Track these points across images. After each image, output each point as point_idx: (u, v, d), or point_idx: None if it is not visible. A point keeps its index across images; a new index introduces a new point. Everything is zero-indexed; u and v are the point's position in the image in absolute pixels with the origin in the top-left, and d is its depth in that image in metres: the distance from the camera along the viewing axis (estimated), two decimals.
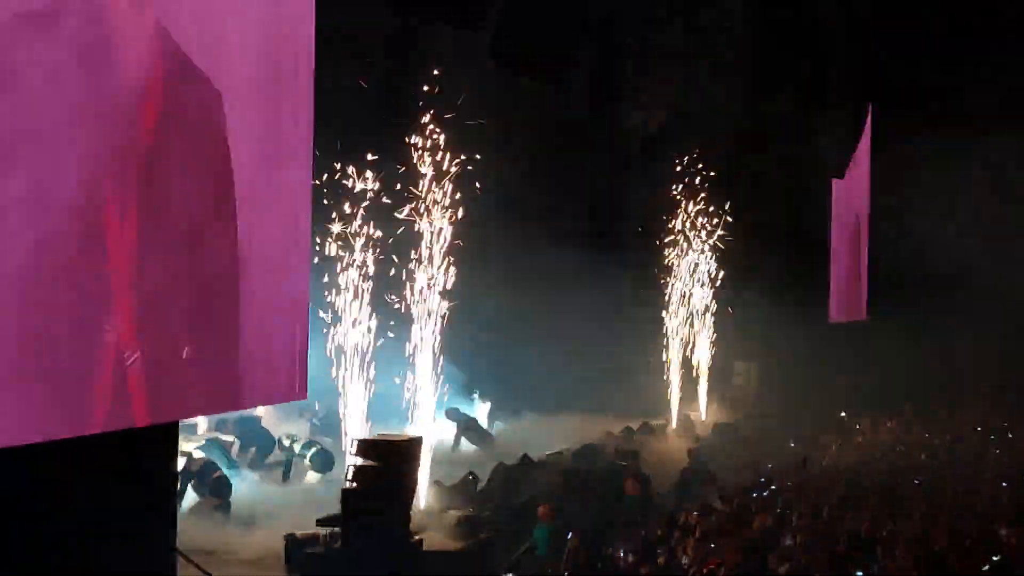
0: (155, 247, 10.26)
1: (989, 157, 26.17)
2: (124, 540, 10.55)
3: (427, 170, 18.45)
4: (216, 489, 17.11)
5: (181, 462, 15.63)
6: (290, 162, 12.43)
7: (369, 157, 17.87)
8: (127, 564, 10.39)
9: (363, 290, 18.33)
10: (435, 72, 18.81)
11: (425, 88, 18.58)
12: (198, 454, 17.81)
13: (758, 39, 22.72)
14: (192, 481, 16.98)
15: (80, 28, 9.08)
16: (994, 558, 12.92)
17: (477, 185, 19.20)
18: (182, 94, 10.68)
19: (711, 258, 26.24)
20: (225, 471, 17.71)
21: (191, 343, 10.72)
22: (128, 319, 9.87)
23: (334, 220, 17.96)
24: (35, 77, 8.57)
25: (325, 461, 18.75)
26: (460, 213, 18.78)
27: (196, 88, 10.85)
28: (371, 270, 18.32)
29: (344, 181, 17.92)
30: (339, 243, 18.09)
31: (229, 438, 19.28)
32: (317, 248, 16.79)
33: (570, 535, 14.88)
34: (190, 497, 16.68)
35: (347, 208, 17.85)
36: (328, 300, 17.94)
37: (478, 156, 19.04)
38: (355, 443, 15.59)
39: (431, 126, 18.44)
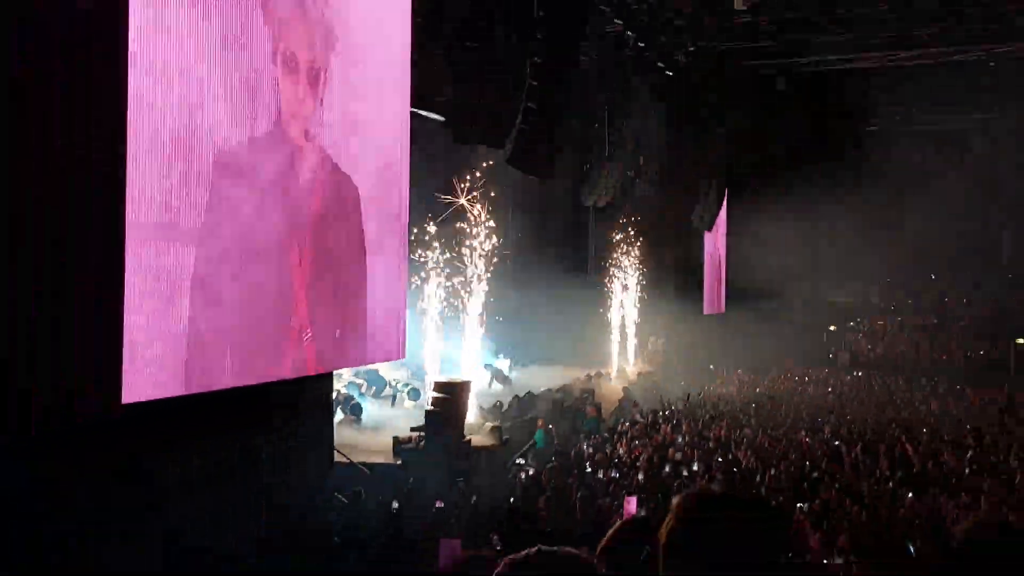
0: (318, 273, 11.61)
1: (798, 212, 28.84)
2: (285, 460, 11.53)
3: (472, 228, 21.97)
4: (353, 410, 18.47)
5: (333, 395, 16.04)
6: (394, 222, 13.69)
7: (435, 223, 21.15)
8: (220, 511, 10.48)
9: (438, 294, 21.17)
10: (477, 173, 21.67)
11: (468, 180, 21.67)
12: (343, 390, 18.71)
13: (665, 150, 25.07)
14: (339, 406, 17.61)
15: (280, 161, 10.80)
16: (792, 455, 14.80)
17: (493, 239, 22.20)
18: (334, 187, 12.04)
19: (637, 276, 29.42)
20: (358, 400, 18.99)
21: (340, 327, 12.08)
22: (304, 312, 11.22)
23: (417, 257, 20.21)
24: (255, 181, 10.22)
25: (415, 394, 19.79)
26: (492, 248, 22.07)
27: (342, 183, 12.22)
28: (443, 282, 21.23)
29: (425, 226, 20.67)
30: (422, 261, 20.58)
31: (360, 381, 19.87)
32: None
33: (556, 442, 17.66)
34: (338, 416, 17.29)
35: (427, 238, 20.69)
36: (418, 300, 20.28)
37: (497, 220, 22.42)
38: (433, 384, 17.24)
39: (475, 203, 21.83)
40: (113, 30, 8.03)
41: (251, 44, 10.36)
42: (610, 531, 3.03)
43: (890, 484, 11.74)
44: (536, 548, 1.96)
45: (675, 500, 2.36)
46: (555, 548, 1.95)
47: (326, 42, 11.84)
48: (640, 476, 13.24)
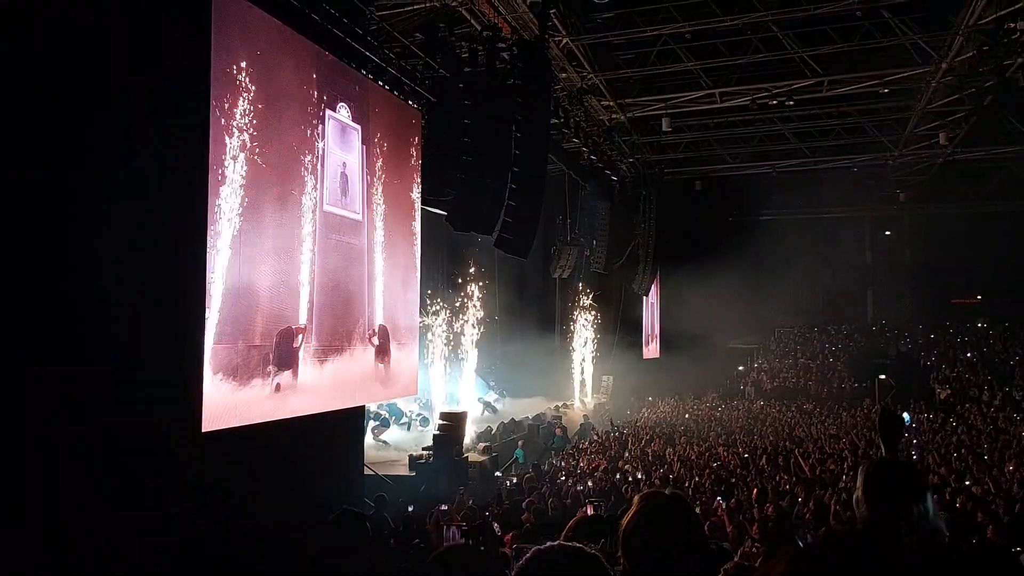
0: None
1: (709, 281, 27.72)
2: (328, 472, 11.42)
3: (469, 299, 22.17)
4: (383, 423, 18.33)
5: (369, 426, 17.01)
6: (412, 294, 14.39)
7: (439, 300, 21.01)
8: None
9: (443, 347, 21.07)
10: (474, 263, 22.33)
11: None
12: (379, 410, 18.30)
13: (611, 233, 25.31)
14: (371, 420, 17.75)
15: (357, 241, 12.14)
16: (713, 464, 15.01)
17: (474, 308, 22.38)
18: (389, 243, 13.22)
19: (592, 330, 28.86)
20: (385, 418, 18.63)
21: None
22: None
23: (431, 304, 20.29)
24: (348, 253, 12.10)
25: (425, 421, 19.30)
26: (482, 311, 22.42)
27: (368, 257, 12.76)
28: (444, 336, 21.21)
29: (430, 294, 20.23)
30: (429, 322, 20.35)
31: (383, 411, 18.98)
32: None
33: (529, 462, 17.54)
34: (368, 439, 16.97)
35: (431, 308, 20.53)
36: (426, 350, 19.83)
37: (492, 292, 23.07)
38: (439, 414, 17.63)
39: (472, 274, 22.33)
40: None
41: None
42: (570, 524, 3.02)
43: (788, 486, 11.67)
44: (557, 542, 1.93)
45: (634, 499, 2.44)
46: (570, 544, 1.92)
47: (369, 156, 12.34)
48: (590, 483, 13.19)
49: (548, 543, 1.93)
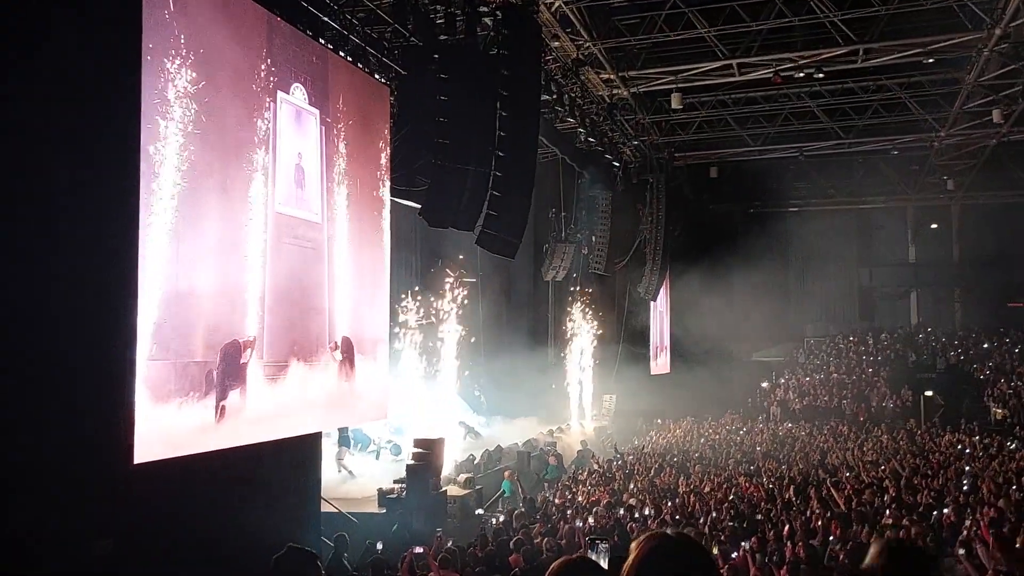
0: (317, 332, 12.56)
1: (727, 285, 29.07)
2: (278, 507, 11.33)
3: (448, 305, 22.12)
4: (346, 464, 18.09)
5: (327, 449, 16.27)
6: (379, 294, 14.24)
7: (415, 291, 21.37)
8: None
9: (417, 363, 21.16)
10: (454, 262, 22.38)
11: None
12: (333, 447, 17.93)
13: (613, 228, 25.80)
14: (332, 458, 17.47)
15: (314, 235, 11.95)
16: (729, 493, 15.28)
17: (454, 317, 22.34)
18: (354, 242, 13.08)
19: (591, 341, 28.75)
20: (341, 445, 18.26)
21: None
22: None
23: (397, 331, 19.93)
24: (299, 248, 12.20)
25: (397, 449, 19.19)
26: (462, 321, 22.34)
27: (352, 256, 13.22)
28: (418, 348, 21.17)
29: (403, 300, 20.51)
30: (400, 333, 20.28)
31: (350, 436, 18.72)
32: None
33: (522, 490, 17.73)
34: (329, 468, 16.62)
35: (402, 317, 20.36)
36: (395, 368, 18.84)
37: (474, 295, 22.84)
38: (414, 440, 16.73)
39: (451, 276, 22.20)
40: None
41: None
42: (552, 568, 3.04)
43: (819, 523, 11.56)
44: (578, 555, 1.97)
45: (635, 542, 2.44)
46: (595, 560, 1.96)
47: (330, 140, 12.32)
48: (591, 519, 13.09)
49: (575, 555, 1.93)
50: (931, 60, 19.98)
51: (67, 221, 7.76)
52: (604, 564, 3.98)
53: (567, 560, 3.13)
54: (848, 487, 14.73)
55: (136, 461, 8.16)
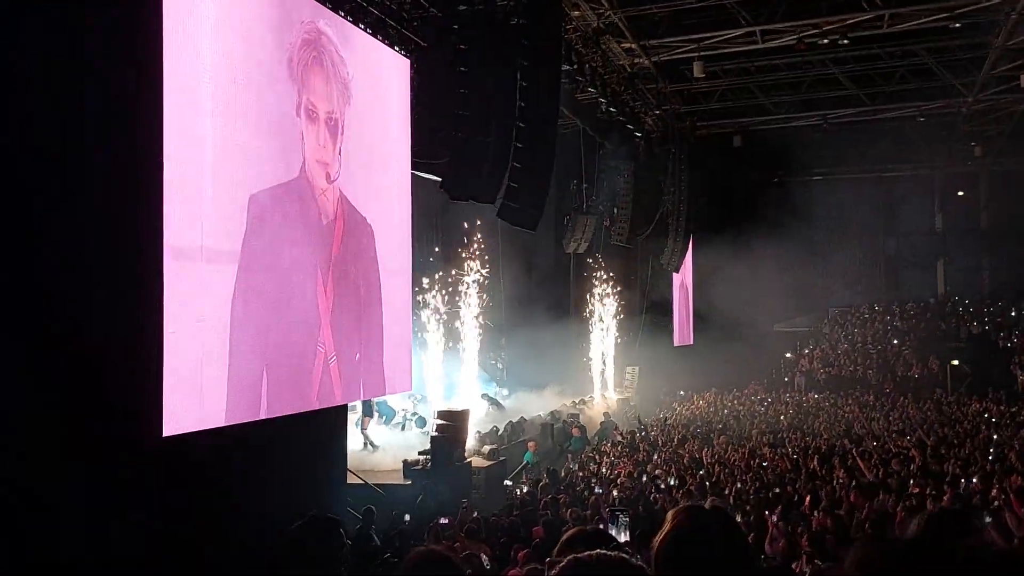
0: (340, 301, 11.87)
1: (751, 255, 28.87)
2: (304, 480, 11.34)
3: (469, 279, 22.37)
4: (369, 435, 18.10)
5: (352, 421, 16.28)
6: (400, 260, 14.25)
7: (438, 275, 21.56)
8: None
9: (440, 332, 21.29)
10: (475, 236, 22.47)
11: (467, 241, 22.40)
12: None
13: (635, 199, 25.55)
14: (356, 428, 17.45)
15: (305, 202, 11.16)
16: (754, 462, 15.53)
17: (475, 289, 22.52)
18: (352, 226, 12.45)
19: (613, 313, 29.14)
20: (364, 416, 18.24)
21: (360, 351, 12.52)
22: (329, 337, 11.45)
23: (422, 291, 20.61)
24: (287, 230, 10.61)
25: (422, 421, 19.08)
26: (484, 293, 22.63)
27: (359, 223, 12.70)
28: (444, 319, 21.46)
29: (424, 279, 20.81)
30: (423, 300, 20.65)
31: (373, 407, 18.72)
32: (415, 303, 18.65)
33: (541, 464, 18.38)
34: (357, 439, 17.22)
35: (425, 283, 20.90)
36: (422, 336, 20.21)
37: (496, 268, 23.26)
38: (436, 412, 17.29)
39: (472, 256, 22.41)
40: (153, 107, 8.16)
41: (279, 99, 10.61)
42: (566, 536, 3.06)
43: (845, 492, 11.42)
44: (597, 552, 1.98)
45: (669, 514, 2.46)
46: (613, 553, 1.97)
47: (342, 97, 12.21)
48: (615, 491, 13.19)
49: (586, 552, 1.97)
50: (958, 24, 19.74)
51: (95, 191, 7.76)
52: (623, 536, 4.02)
53: (581, 530, 3.15)
54: (874, 457, 14.74)
55: (165, 434, 8.27)
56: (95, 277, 7.77)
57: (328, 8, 12.21)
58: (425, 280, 20.95)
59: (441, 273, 21.72)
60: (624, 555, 2.02)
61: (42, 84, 7.54)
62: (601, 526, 4.11)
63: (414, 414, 19.84)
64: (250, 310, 9.66)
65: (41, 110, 7.59)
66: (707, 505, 2.48)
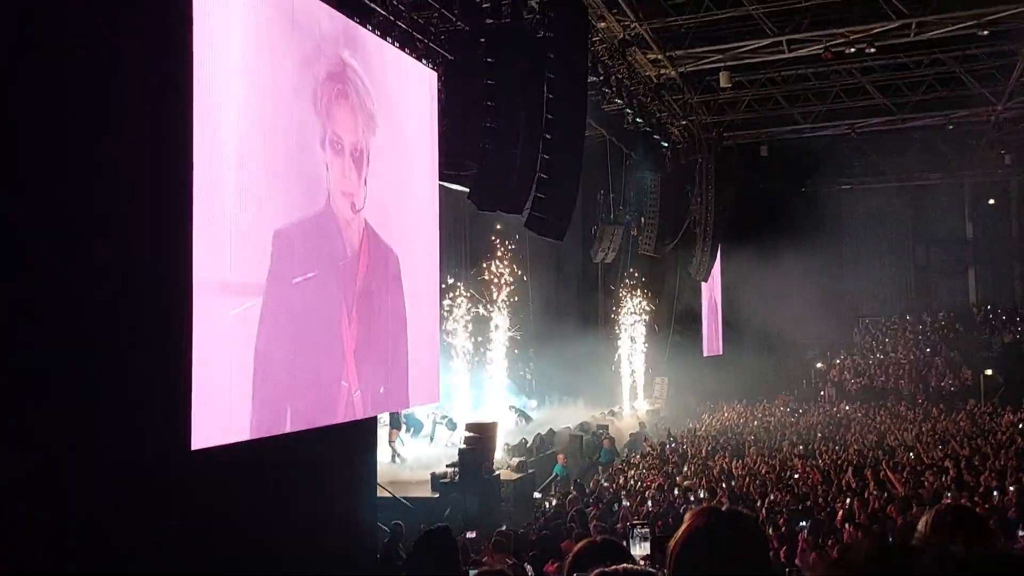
0: (366, 333, 11.75)
1: (779, 265, 28.30)
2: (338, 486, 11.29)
3: (497, 292, 22.39)
4: (397, 448, 18.14)
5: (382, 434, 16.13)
6: (427, 282, 14.02)
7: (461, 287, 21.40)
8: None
9: (467, 348, 21.35)
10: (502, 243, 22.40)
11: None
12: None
13: (662, 208, 25.53)
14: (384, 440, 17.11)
15: (330, 235, 10.99)
16: (785, 475, 15.24)
17: (502, 300, 22.58)
18: (378, 256, 12.26)
19: (643, 322, 29.15)
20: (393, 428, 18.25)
21: (384, 384, 12.31)
22: (353, 372, 11.34)
23: (450, 302, 20.68)
24: (311, 264, 10.40)
25: (452, 424, 19.13)
26: (511, 303, 22.60)
27: (386, 252, 12.51)
28: (471, 328, 21.43)
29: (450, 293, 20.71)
30: (450, 317, 20.65)
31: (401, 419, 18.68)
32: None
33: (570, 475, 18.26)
34: (385, 452, 17.12)
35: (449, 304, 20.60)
36: (448, 342, 20.15)
37: (524, 279, 23.03)
38: (466, 425, 17.43)
39: (501, 266, 22.37)
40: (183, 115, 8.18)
41: (304, 134, 10.55)
42: (576, 548, 3.04)
43: (877, 504, 11.45)
44: (624, 566, 1.96)
45: (687, 515, 2.46)
46: (638, 567, 1.97)
47: (368, 127, 12.09)
48: (649, 503, 13.24)
49: (612, 566, 1.95)
50: (986, 32, 19.59)
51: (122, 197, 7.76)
52: (639, 550, 3.97)
53: (590, 542, 3.12)
54: (907, 468, 14.59)
55: (194, 447, 8.25)
56: (125, 307, 7.69)
57: (356, 22, 12.23)
58: (451, 289, 20.85)
59: (462, 285, 21.58)
60: (651, 570, 2.00)
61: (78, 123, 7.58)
62: (625, 543, 4.05)
63: (444, 416, 19.81)
64: (272, 347, 9.54)
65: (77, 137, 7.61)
66: (723, 508, 2.44)
